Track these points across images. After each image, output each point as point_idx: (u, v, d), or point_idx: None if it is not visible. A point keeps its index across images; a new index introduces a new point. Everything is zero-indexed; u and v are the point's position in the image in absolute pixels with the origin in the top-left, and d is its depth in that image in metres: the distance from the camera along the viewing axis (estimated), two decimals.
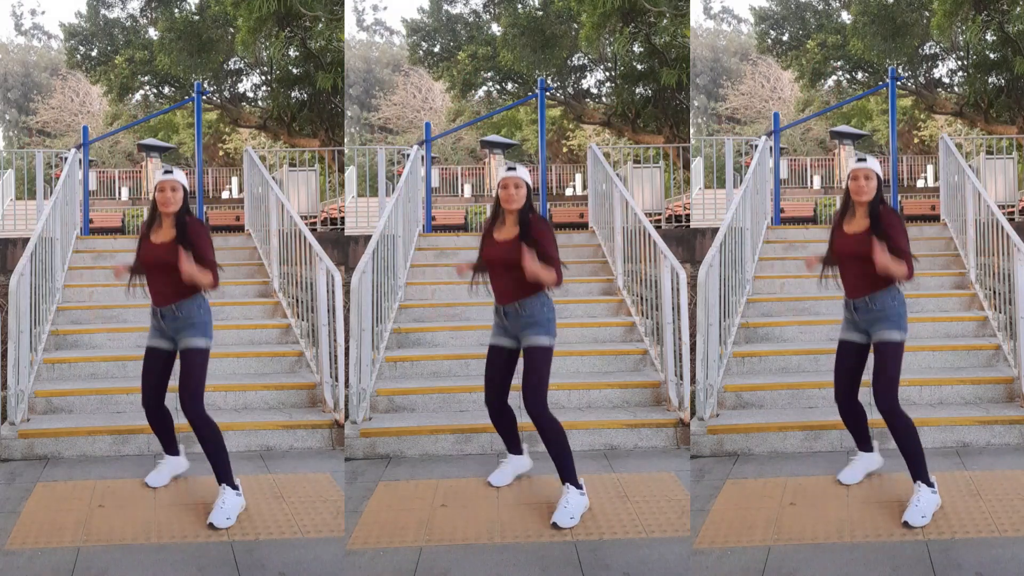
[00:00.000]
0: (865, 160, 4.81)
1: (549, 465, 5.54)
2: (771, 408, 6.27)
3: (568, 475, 4.89)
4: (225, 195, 18.91)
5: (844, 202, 4.91)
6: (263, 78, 19.13)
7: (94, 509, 4.96)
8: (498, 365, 5.03)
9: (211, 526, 4.76)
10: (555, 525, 4.75)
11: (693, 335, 6.20)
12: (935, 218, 10.82)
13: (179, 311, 4.89)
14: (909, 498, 4.81)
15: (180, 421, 5.07)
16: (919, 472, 4.78)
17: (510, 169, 4.91)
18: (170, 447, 5.31)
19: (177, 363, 4.98)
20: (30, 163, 14.77)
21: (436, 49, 22.31)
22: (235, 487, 4.94)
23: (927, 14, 19.49)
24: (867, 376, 4.96)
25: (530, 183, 4.92)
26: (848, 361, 4.97)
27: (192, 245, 4.83)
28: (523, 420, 5.16)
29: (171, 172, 4.91)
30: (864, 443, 5.22)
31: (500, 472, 5.31)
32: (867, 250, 4.69)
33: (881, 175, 4.84)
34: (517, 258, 4.78)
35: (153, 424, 5.15)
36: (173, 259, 4.81)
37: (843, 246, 4.85)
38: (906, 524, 4.65)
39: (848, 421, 5.12)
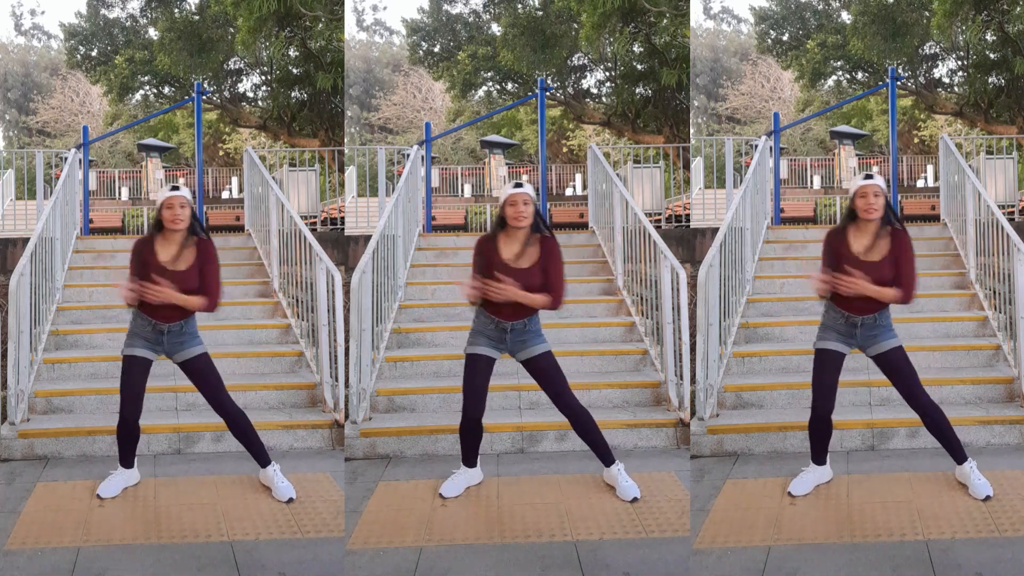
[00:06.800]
0: (872, 177, 4.80)
1: (549, 465, 5.58)
2: (771, 408, 6.27)
3: (609, 453, 5.08)
4: (225, 195, 18.88)
5: (848, 218, 4.87)
6: (263, 78, 19.13)
7: (94, 509, 4.96)
8: (486, 375, 4.98)
9: (291, 500, 5.02)
10: (635, 500, 4.93)
11: (693, 335, 6.20)
12: (935, 218, 10.82)
13: (185, 327, 4.99)
14: (969, 477, 4.95)
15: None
16: (961, 451, 4.99)
17: (517, 185, 4.87)
18: (130, 459, 5.21)
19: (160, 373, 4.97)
20: (30, 163, 14.76)
21: (436, 49, 22.30)
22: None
23: (927, 14, 19.48)
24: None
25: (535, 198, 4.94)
26: (835, 373, 4.91)
27: (203, 272, 4.92)
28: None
29: (178, 188, 4.92)
30: (823, 456, 5.13)
31: (454, 483, 5.16)
32: (887, 278, 4.73)
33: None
34: (538, 283, 4.83)
35: (128, 435, 5.08)
36: (194, 286, 4.90)
37: (859, 273, 4.75)
38: (987, 499, 4.84)
39: (822, 432, 5.03)
